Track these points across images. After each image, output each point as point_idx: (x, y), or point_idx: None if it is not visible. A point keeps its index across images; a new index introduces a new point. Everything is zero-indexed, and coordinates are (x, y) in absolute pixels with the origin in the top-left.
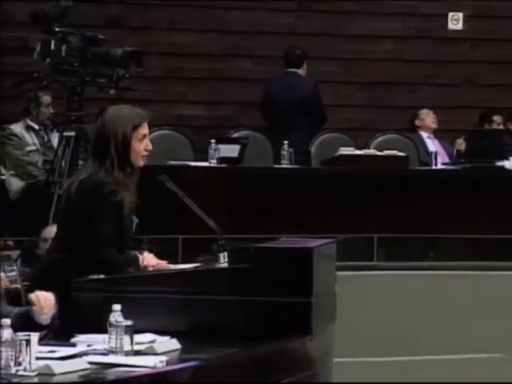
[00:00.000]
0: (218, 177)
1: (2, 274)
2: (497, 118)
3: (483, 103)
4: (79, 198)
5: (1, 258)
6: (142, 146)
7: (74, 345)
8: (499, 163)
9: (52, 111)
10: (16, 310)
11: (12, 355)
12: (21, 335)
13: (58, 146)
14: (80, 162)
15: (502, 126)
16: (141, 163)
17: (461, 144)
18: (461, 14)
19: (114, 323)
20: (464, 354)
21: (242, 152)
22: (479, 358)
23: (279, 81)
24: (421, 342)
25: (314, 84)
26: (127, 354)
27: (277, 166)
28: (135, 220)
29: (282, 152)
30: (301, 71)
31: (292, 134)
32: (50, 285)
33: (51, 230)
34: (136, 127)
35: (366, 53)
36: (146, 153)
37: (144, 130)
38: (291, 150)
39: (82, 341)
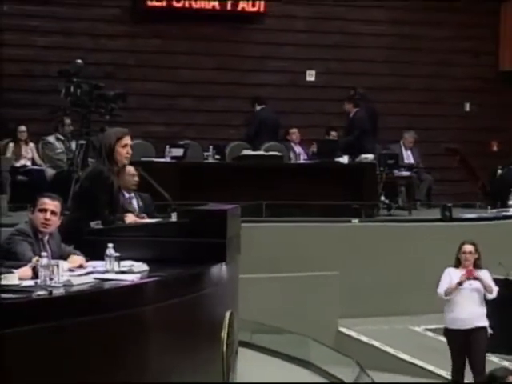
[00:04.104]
0: (170, 168)
1: None
2: (333, 133)
3: (327, 124)
4: (86, 181)
5: None
6: (125, 151)
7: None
8: (337, 159)
9: (72, 128)
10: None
11: (48, 274)
12: (53, 261)
13: (75, 150)
14: (89, 159)
15: (336, 138)
16: (125, 162)
17: (313, 147)
18: (314, 71)
19: (109, 254)
20: (317, 272)
21: (185, 153)
22: (326, 274)
23: (264, 112)
24: (290, 264)
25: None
26: (117, 273)
27: (205, 161)
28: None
29: (209, 152)
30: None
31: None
32: (71, 233)
33: None
34: (119, 139)
35: (262, 94)
36: (127, 155)
37: (125, 141)
38: (214, 151)
39: (90, 265)
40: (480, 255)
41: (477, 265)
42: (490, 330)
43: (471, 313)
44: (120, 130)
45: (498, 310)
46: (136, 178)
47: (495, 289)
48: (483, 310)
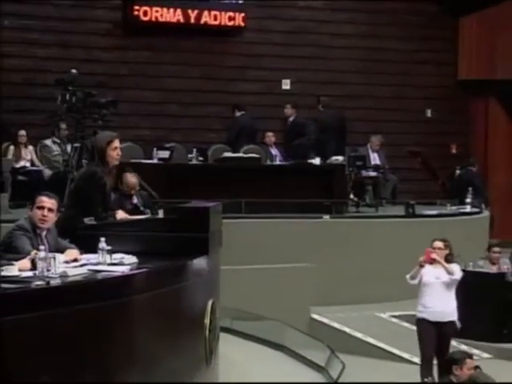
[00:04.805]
0: (158, 168)
1: None
2: (307, 139)
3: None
4: (81, 181)
5: None
6: (115, 153)
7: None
8: (310, 161)
9: (66, 133)
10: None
11: (45, 265)
12: (50, 254)
13: (71, 152)
14: (83, 161)
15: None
16: (116, 163)
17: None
18: (288, 80)
19: (101, 248)
20: (292, 263)
21: (171, 155)
22: (300, 265)
23: (243, 117)
24: (267, 256)
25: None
26: (109, 264)
27: (190, 162)
28: (112, 195)
29: (192, 154)
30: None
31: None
32: (67, 229)
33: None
34: (109, 142)
35: (242, 101)
36: (117, 157)
37: (115, 144)
38: (198, 153)
39: (84, 257)
40: (452, 251)
41: (448, 260)
42: (458, 324)
43: (439, 306)
44: (110, 134)
45: (456, 298)
46: (133, 192)
47: (456, 270)
48: (453, 304)
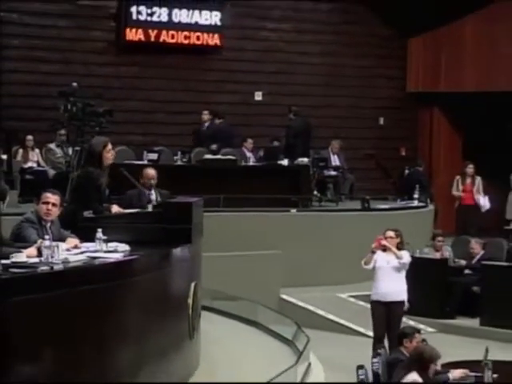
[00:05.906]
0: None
1: None
2: (276, 143)
3: (271, 134)
4: (79, 180)
5: None
6: (109, 154)
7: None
8: (279, 162)
9: (64, 138)
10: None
11: (50, 253)
12: (53, 243)
13: (72, 154)
14: (82, 162)
15: (278, 145)
16: (110, 163)
17: (260, 152)
18: (260, 92)
19: (98, 237)
20: (264, 251)
21: (159, 157)
22: (271, 252)
23: (220, 124)
24: (242, 245)
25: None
26: (105, 252)
27: (175, 163)
28: (107, 191)
29: (178, 156)
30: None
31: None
32: (68, 221)
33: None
34: (105, 146)
35: (220, 110)
36: (112, 157)
37: (109, 147)
38: (182, 155)
39: (83, 246)
40: (402, 240)
41: (399, 248)
42: (407, 304)
43: (390, 288)
44: (103, 139)
45: (408, 280)
46: (152, 182)
47: (404, 255)
48: (402, 286)
